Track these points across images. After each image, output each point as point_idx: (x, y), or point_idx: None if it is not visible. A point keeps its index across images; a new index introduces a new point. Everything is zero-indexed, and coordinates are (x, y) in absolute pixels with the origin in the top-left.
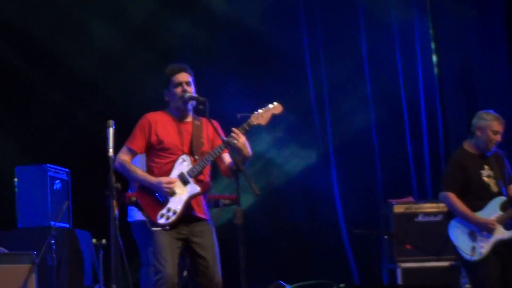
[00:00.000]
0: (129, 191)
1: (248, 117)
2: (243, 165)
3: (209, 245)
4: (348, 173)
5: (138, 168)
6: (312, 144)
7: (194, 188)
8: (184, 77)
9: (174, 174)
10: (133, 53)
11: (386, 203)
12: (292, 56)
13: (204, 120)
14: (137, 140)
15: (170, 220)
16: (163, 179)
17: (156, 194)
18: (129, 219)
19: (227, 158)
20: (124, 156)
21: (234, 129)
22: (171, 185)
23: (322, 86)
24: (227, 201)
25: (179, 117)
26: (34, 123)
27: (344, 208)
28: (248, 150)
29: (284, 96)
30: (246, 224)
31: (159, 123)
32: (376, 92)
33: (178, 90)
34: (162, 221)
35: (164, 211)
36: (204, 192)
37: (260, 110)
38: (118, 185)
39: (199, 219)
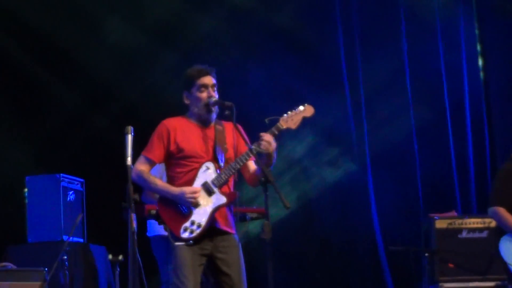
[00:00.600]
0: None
1: (277, 120)
2: (272, 175)
3: (235, 262)
4: (387, 184)
5: (157, 179)
6: (347, 153)
7: (219, 198)
8: (209, 80)
9: (198, 183)
10: (154, 53)
11: (427, 217)
12: (326, 57)
13: (226, 124)
14: (155, 149)
15: (194, 234)
16: (186, 189)
17: (179, 205)
18: (148, 234)
19: (252, 165)
20: (141, 166)
21: (263, 134)
22: (195, 195)
23: (359, 91)
24: (254, 215)
25: (201, 122)
26: (46, 128)
27: (382, 222)
28: (274, 156)
29: (317, 101)
30: (275, 239)
31: (178, 130)
32: (418, 97)
33: (203, 94)
34: (185, 235)
35: (187, 224)
36: (231, 203)
37: (289, 113)
38: (137, 197)
39: (224, 233)
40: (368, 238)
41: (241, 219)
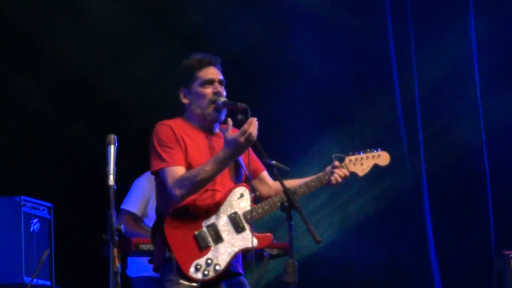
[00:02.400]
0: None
1: (342, 159)
2: (297, 200)
3: None
4: (447, 209)
5: (199, 167)
6: (397, 168)
7: (249, 239)
8: (215, 73)
9: (225, 211)
10: (144, 40)
11: (500, 255)
12: (372, 52)
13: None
14: (176, 154)
15: (209, 276)
16: (237, 135)
17: (196, 233)
18: (130, 274)
19: (267, 178)
20: (177, 175)
21: (339, 166)
22: (252, 128)
23: (412, 93)
24: (275, 251)
25: (205, 127)
26: (4, 136)
27: (441, 260)
28: None
29: (362, 106)
30: (302, 281)
31: (183, 133)
32: (489, 99)
33: (208, 89)
34: (197, 275)
35: (201, 261)
36: (261, 249)
37: (359, 154)
38: (121, 227)
39: (233, 274)
40: (423, 280)
41: (257, 256)
